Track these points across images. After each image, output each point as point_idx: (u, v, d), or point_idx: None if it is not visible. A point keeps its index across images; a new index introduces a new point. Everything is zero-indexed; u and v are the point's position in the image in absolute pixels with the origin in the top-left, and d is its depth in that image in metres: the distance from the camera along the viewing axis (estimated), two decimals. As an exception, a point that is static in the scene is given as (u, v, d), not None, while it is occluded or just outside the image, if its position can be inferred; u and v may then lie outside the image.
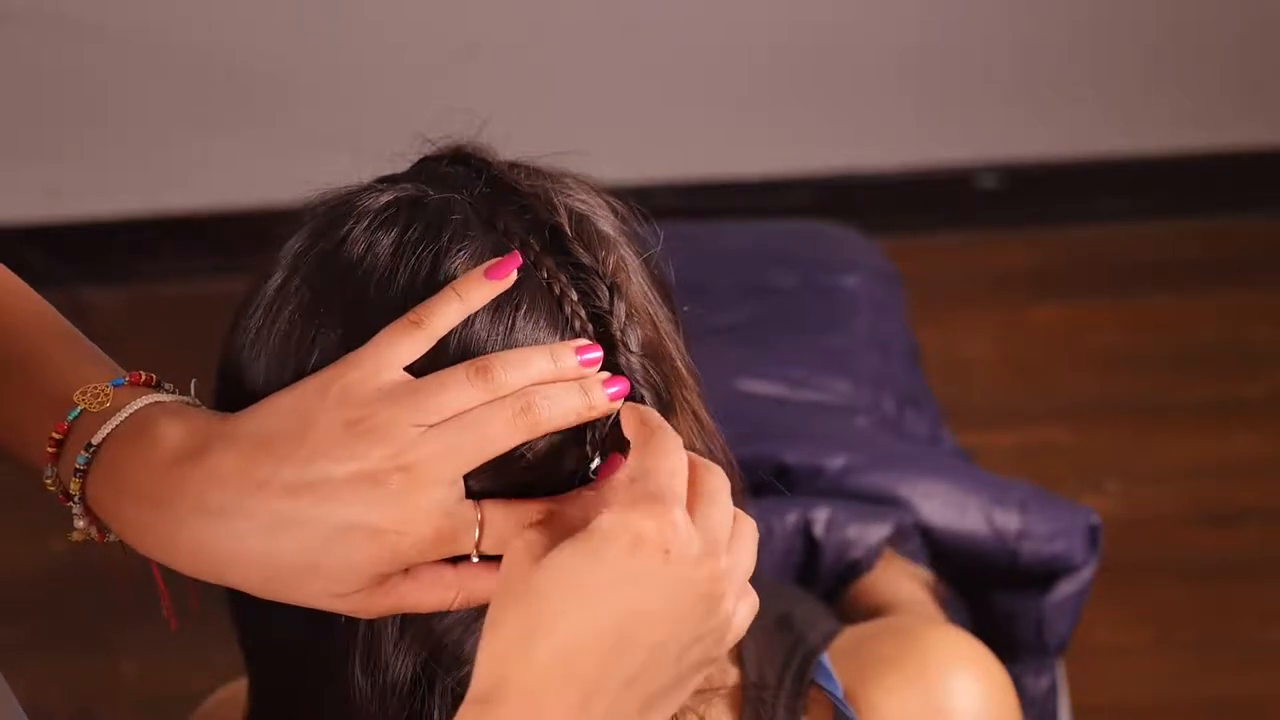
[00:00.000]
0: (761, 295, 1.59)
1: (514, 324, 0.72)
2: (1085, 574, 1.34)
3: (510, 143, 0.79)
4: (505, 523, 0.70)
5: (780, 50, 2.43)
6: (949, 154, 2.53)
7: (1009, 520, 1.34)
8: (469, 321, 0.71)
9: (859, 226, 1.81)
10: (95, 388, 0.72)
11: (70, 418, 0.71)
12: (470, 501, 0.69)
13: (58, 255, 2.47)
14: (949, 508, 1.34)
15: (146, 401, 0.71)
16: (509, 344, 0.71)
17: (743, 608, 0.70)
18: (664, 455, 0.69)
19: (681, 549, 0.67)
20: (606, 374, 0.73)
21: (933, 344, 1.96)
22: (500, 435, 0.69)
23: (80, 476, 0.71)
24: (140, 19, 2.37)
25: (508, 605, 0.67)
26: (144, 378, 0.74)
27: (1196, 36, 2.45)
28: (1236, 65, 2.48)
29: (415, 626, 0.73)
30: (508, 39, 2.40)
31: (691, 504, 0.69)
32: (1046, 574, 1.34)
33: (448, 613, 0.72)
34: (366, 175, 0.78)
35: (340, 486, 0.67)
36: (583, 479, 0.73)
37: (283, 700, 0.78)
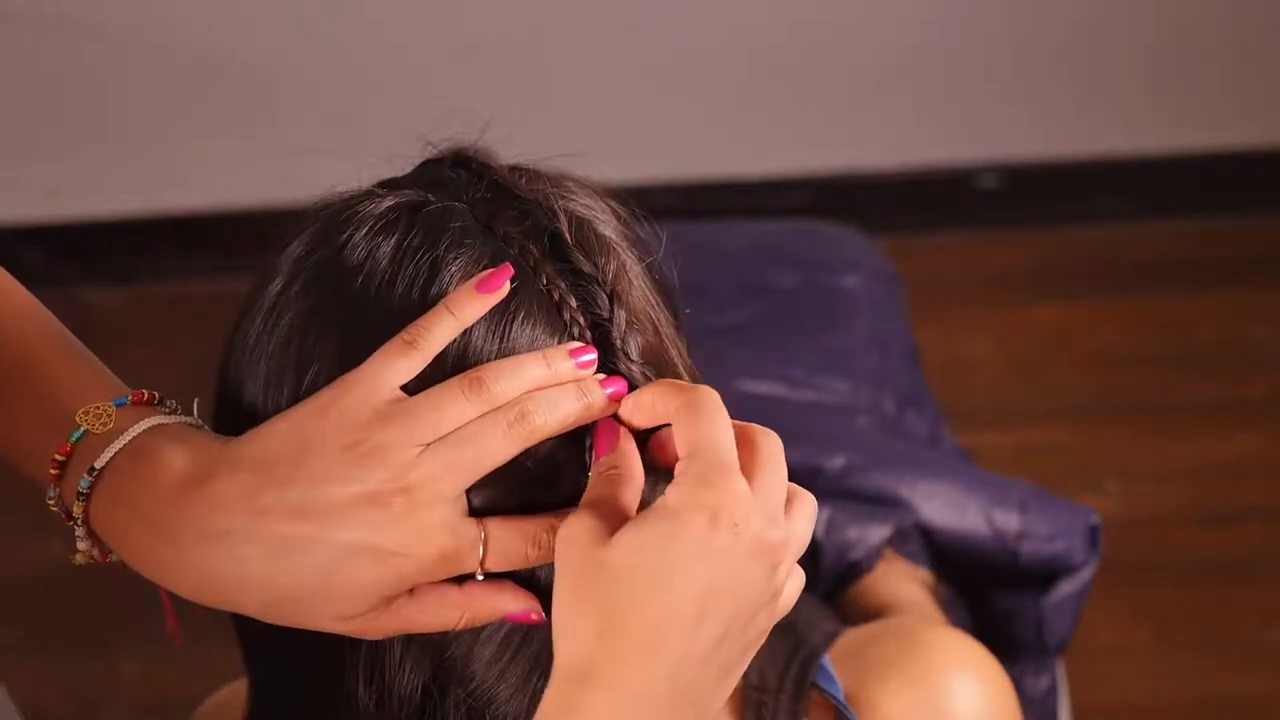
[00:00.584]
0: (761, 295, 1.59)
1: (512, 333, 0.71)
2: (1085, 574, 1.34)
3: (510, 143, 0.79)
4: (509, 539, 0.70)
5: (780, 50, 2.43)
6: (949, 154, 2.53)
7: (1009, 520, 1.34)
8: (467, 332, 0.70)
9: (859, 226, 1.81)
10: (98, 408, 0.72)
11: (73, 439, 0.71)
12: (473, 519, 0.69)
13: (58, 255, 2.47)
14: (949, 508, 1.34)
15: (150, 424, 0.71)
16: (507, 353, 0.71)
17: (791, 582, 0.71)
18: (716, 424, 0.69)
19: (745, 519, 0.67)
20: (603, 375, 0.72)
21: (933, 344, 1.96)
22: (498, 446, 0.69)
23: (84, 500, 0.71)
24: (140, 19, 2.37)
25: (584, 590, 0.67)
26: (146, 396, 0.73)
27: (1196, 37, 2.45)
28: (1236, 65, 2.48)
29: (420, 641, 0.72)
30: (508, 39, 2.40)
31: (751, 471, 0.69)
32: (1046, 574, 1.34)
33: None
34: (366, 176, 0.78)
35: (343, 509, 0.67)
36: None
37: (284, 704, 0.78)
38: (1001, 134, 2.52)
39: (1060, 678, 1.38)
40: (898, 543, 1.31)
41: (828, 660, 0.92)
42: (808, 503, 0.71)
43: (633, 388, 0.73)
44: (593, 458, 0.72)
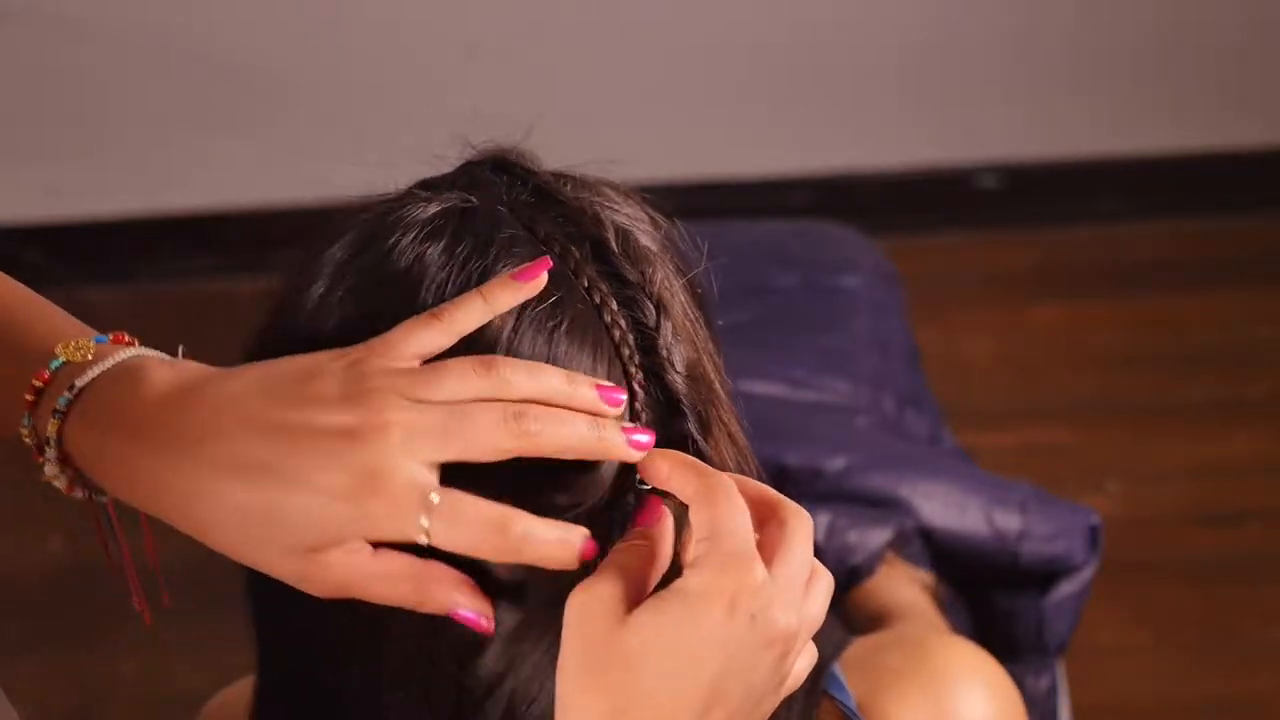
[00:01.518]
0: (762, 295, 1.59)
1: (554, 340, 0.70)
2: (1085, 574, 1.34)
3: (513, 142, 0.79)
4: (469, 514, 0.67)
5: (780, 50, 2.43)
6: (949, 154, 2.53)
7: (1009, 521, 1.34)
8: (512, 336, 0.69)
9: (859, 226, 1.81)
10: (78, 341, 0.71)
11: (53, 367, 0.70)
12: (440, 488, 0.67)
13: (58, 255, 2.47)
14: (949, 508, 1.34)
15: (134, 352, 0.70)
16: (540, 358, 0.70)
17: (801, 662, 0.71)
18: (735, 510, 0.68)
19: (763, 610, 0.67)
20: (631, 424, 0.71)
21: (933, 344, 1.96)
22: (486, 433, 0.67)
23: (59, 418, 0.69)
24: (140, 19, 2.37)
25: (596, 668, 0.66)
26: (127, 338, 0.72)
27: (1196, 37, 2.45)
28: (1235, 66, 2.48)
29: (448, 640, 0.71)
30: (508, 39, 2.40)
31: (776, 551, 0.68)
32: (1047, 574, 1.34)
33: (489, 646, 0.70)
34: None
35: (315, 437, 0.66)
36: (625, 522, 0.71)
37: (287, 697, 0.77)
38: (1001, 134, 2.52)
39: (1060, 678, 1.38)
40: (898, 545, 1.31)
41: (838, 669, 0.92)
42: (824, 581, 0.70)
43: (677, 400, 0.72)
44: (631, 527, 0.70)
